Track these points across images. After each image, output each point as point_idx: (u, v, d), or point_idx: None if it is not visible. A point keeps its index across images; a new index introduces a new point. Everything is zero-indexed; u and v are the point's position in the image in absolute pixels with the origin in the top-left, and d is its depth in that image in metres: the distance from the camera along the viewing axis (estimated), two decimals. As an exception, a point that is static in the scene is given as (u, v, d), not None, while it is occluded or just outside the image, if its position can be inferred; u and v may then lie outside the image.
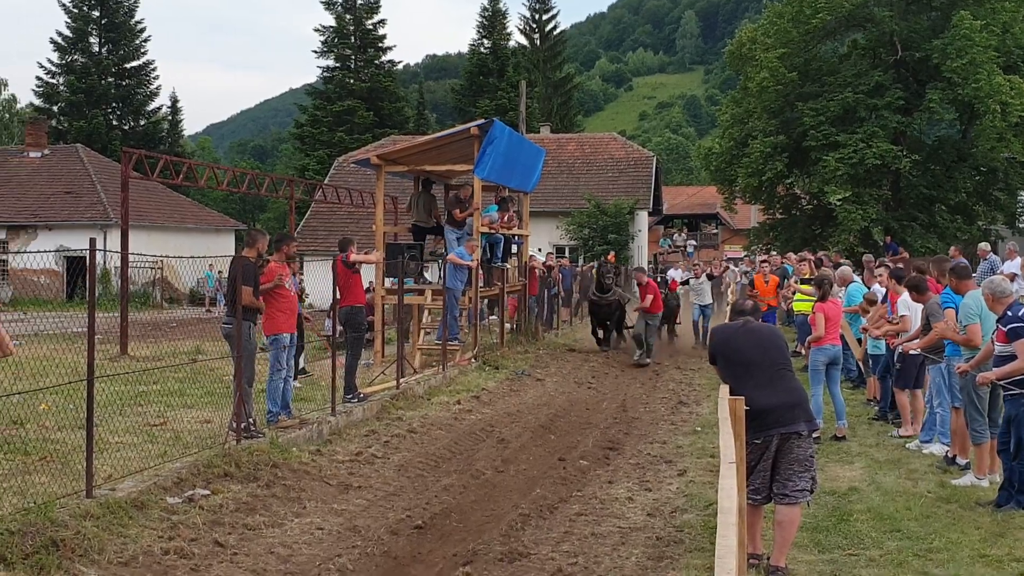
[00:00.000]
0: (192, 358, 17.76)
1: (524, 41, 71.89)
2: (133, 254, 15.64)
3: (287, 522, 8.61)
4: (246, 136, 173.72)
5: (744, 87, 37.68)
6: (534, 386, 17.82)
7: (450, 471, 10.80)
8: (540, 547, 8.01)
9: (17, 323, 22.12)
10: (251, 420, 10.96)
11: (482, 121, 19.70)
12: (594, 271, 24.48)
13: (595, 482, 10.29)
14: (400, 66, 74.46)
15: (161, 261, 39.17)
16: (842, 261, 22.59)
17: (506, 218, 21.41)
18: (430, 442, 12.19)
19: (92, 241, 8.56)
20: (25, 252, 37.87)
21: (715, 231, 69.72)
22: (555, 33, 72.46)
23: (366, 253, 15.24)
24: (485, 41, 66.96)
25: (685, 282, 25.36)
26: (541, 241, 41.72)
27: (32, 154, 49.80)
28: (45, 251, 39.18)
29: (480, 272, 19.32)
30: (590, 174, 46.99)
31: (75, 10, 63.06)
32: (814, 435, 7.62)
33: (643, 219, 46.55)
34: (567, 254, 43.32)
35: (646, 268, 26.02)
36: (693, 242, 62.61)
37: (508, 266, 21.64)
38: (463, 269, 18.25)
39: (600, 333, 23.20)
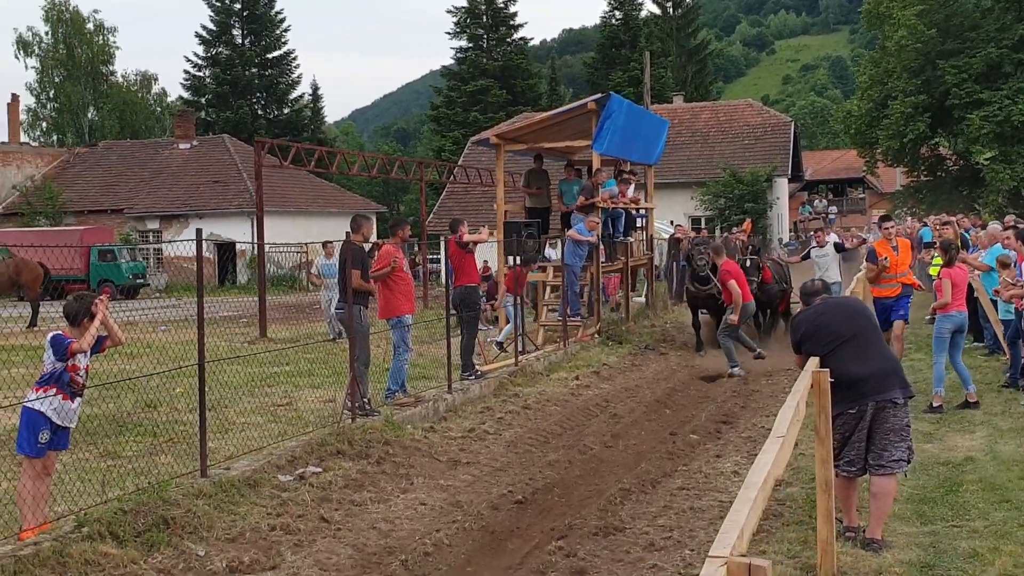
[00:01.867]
0: (325, 339, 18.40)
1: (656, 10, 71.05)
2: (242, 242, 16.21)
3: (393, 498, 8.86)
4: (389, 120, 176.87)
5: (882, 47, 36.44)
6: (656, 360, 17.75)
7: (558, 446, 10.90)
8: (636, 521, 8.03)
9: (170, 309, 23.27)
10: (366, 400, 11.27)
11: (599, 95, 19.61)
12: (689, 253, 19.02)
13: (703, 456, 10.24)
14: (537, 42, 74.59)
15: (306, 245, 40.38)
16: (969, 225, 21.20)
17: (628, 191, 21.30)
18: (543, 418, 12.31)
19: (199, 232, 8.93)
20: (179, 241, 39.52)
21: (862, 196, 67.56)
22: (687, 1, 71.32)
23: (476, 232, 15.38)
24: (616, 13, 66.35)
25: (806, 255, 19.18)
26: (676, 213, 41.26)
27: (181, 146, 51.97)
28: (186, 239, 40.70)
29: (602, 247, 19.30)
30: (725, 142, 46.15)
31: (218, 3, 65.25)
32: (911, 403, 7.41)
33: (782, 186, 45.51)
34: (703, 225, 42.75)
35: (732, 244, 19.67)
36: (835, 208, 60.79)
37: (632, 240, 21.53)
38: (583, 245, 18.26)
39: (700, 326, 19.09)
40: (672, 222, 33.21)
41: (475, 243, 14.13)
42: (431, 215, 45.41)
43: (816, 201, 61.38)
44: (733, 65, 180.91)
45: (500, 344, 18.16)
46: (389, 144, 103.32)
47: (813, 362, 6.82)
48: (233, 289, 42.45)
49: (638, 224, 23.30)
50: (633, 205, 21.45)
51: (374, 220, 13.12)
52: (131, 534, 7.21)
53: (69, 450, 9.88)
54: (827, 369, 6.38)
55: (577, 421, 12.23)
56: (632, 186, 22.33)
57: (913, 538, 7.17)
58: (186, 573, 6.93)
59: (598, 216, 18.82)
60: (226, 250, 45.97)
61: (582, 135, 19.62)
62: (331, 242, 19.21)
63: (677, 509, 8.34)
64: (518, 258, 17.79)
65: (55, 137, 65.66)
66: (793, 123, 48.29)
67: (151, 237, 47.86)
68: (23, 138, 61.17)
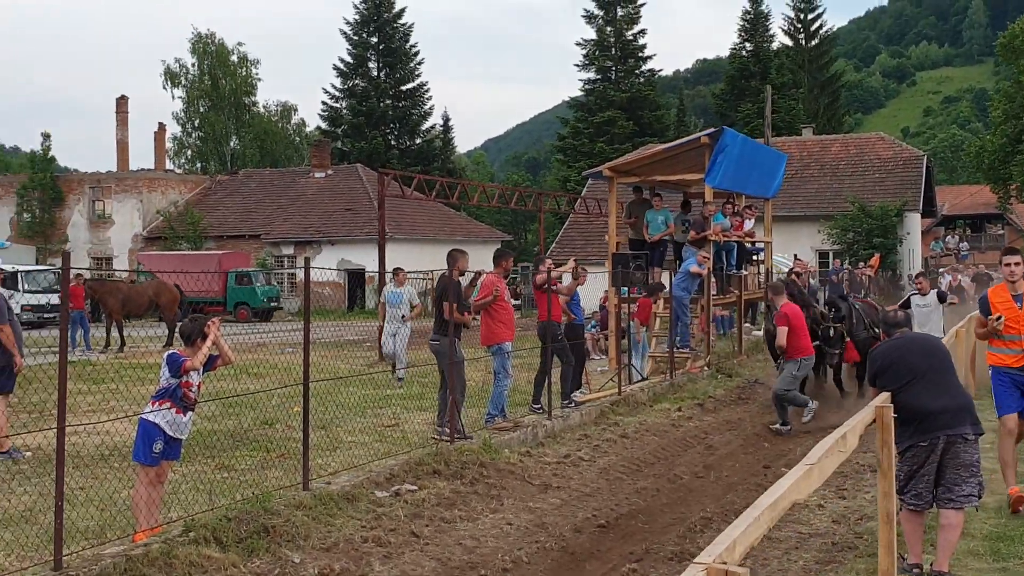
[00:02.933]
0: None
1: (788, 42, 70.50)
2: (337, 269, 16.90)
3: (481, 517, 9.25)
4: (521, 149, 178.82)
5: (1017, 81, 35.52)
6: (765, 394, 17.73)
7: (649, 475, 11.14)
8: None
9: (299, 332, 24.33)
10: (461, 425, 11.70)
11: (712, 130, 19.80)
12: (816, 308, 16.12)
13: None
14: (670, 72, 74.75)
15: (431, 272, 41.36)
16: None
17: (745, 225, 21.39)
18: (639, 447, 12.56)
19: (307, 260, 9.52)
20: (318, 268, 40.93)
21: (1000, 232, 65.43)
22: (821, 31, 70.56)
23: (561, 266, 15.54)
24: (747, 44, 66.11)
25: (905, 303, 16.45)
26: (802, 246, 40.90)
27: (317, 174, 53.89)
28: (319, 266, 42.00)
29: (713, 280, 19.42)
30: (855, 176, 45.49)
31: (355, 37, 67.47)
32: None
33: (914, 221, 44.62)
34: (830, 258, 42.13)
35: (796, 282, 17.60)
36: (966, 244, 59.02)
37: (745, 273, 21.56)
38: (693, 278, 18.43)
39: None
40: (796, 256, 32.90)
41: (548, 282, 13.98)
42: (553, 244, 45.97)
43: (948, 237, 59.77)
44: (872, 96, 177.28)
45: (641, 374, 17.94)
46: (519, 173, 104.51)
47: (882, 397, 6.96)
48: (361, 313, 43.69)
49: (755, 257, 23.32)
50: (748, 239, 21.49)
51: (468, 255, 13.42)
52: (233, 540, 7.77)
53: (188, 461, 10.65)
54: (890, 404, 6.53)
55: (672, 451, 12.44)
56: (751, 220, 22.41)
57: (982, 573, 7.22)
58: (280, 577, 7.45)
59: (709, 250, 18.96)
60: (356, 276, 47.38)
61: (695, 169, 19.82)
62: (401, 269, 18.83)
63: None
64: (630, 288, 18.12)
65: (199, 165, 68.70)
66: (926, 157, 47.28)
67: (285, 262, 49.66)
68: (168, 165, 64.32)
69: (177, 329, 8.08)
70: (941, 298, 16.46)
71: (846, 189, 43.59)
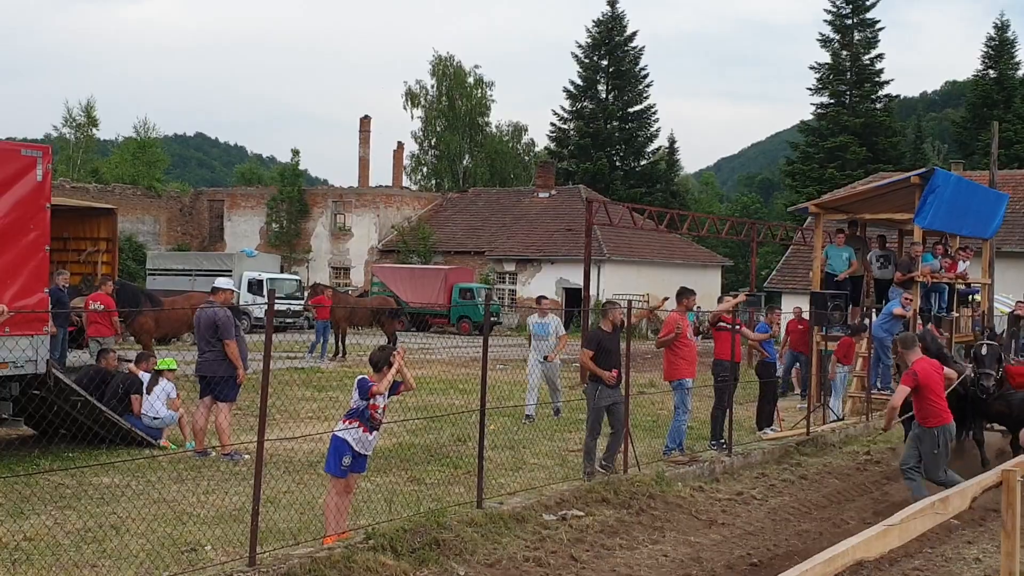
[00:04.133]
0: (640, 391, 19.40)
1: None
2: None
3: (641, 547, 9.79)
4: (754, 169, 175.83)
5: None
6: (971, 443, 17.29)
7: (816, 518, 11.35)
8: (858, 597, 8.48)
9: (514, 347, 25.38)
10: (603, 461, 12.12)
11: (923, 170, 19.47)
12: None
13: (956, 540, 10.35)
14: (915, 93, 71.99)
15: (647, 294, 41.86)
16: None
17: (958, 267, 20.87)
18: (816, 489, 12.73)
19: (489, 290, 10.32)
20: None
21: None
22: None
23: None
24: (990, 71, 63.11)
25: None
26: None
27: (541, 194, 55.36)
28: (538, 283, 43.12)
29: (919, 323, 19.07)
30: (1100, 210, 42.74)
31: (586, 60, 68.81)
32: None
33: None
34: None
35: (936, 333, 16.04)
36: None
37: (956, 315, 21.00)
38: (896, 319, 18.21)
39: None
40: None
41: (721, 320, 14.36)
42: (774, 272, 45.49)
43: None
44: None
45: (836, 415, 17.90)
46: (749, 195, 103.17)
47: (1015, 461, 7.09)
48: (577, 332, 44.62)
49: (970, 299, 22.66)
50: (960, 280, 20.94)
51: (619, 309, 12.82)
52: (407, 550, 8.65)
53: (384, 472, 11.70)
54: (1016, 469, 6.68)
55: (848, 495, 12.55)
56: (965, 261, 21.81)
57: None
58: (444, 587, 8.26)
59: (916, 291, 18.67)
60: (574, 295, 48.43)
61: (904, 208, 19.54)
62: (545, 298, 17.62)
63: (901, 589, 8.69)
64: (830, 328, 18.10)
65: (433, 182, 71.73)
66: None
67: (507, 279, 51.27)
68: (405, 182, 67.53)
69: (368, 357, 9.04)
70: None
71: (1093, 225, 41.04)
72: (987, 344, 13.47)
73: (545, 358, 16.55)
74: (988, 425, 14.52)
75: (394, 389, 8.98)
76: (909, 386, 10.78)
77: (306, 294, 39.58)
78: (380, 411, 8.90)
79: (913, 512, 5.73)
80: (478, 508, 9.89)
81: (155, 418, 13.37)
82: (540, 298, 17.74)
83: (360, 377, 8.91)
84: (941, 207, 19.02)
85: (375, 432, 8.93)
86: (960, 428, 13.12)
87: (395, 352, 8.93)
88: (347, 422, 8.80)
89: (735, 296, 15.60)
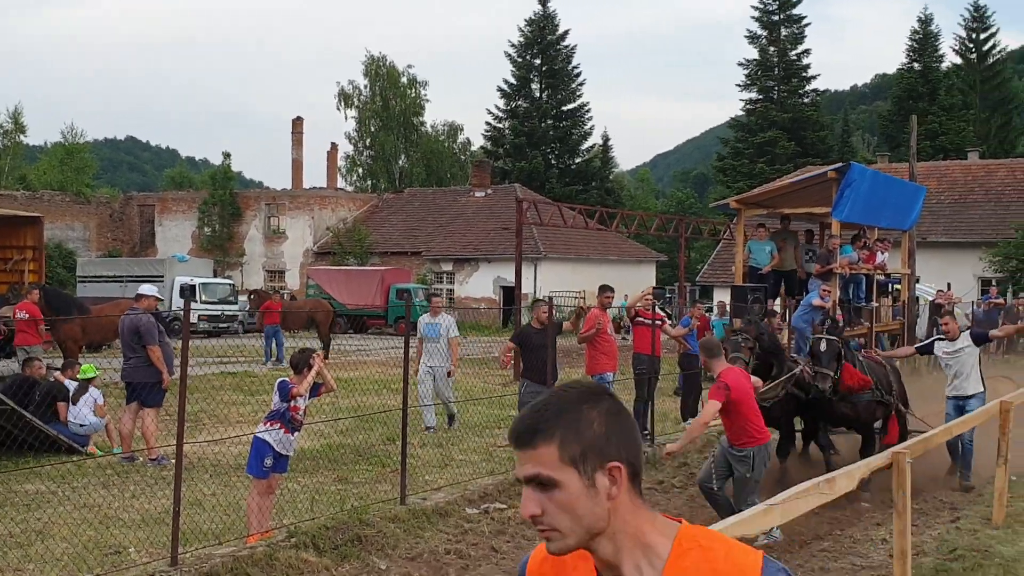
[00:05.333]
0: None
1: (959, 60, 68.52)
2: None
3: (560, 537, 10.05)
4: (689, 165, 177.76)
5: None
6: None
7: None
8: (765, 578, 8.82)
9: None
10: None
11: (839, 165, 20.02)
12: None
13: (866, 522, 10.78)
14: (846, 87, 73.43)
15: (583, 291, 42.32)
16: None
17: (877, 258, 21.45)
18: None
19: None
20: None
21: None
22: (994, 51, 68.29)
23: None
24: (915, 64, 64.63)
25: (926, 348, 13.72)
26: (964, 274, 39.98)
27: (477, 193, 55.64)
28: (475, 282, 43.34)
29: (840, 313, 19.60)
30: (1021, 202, 44.11)
31: (519, 59, 69.21)
32: None
33: (1087, 250, 42.81)
34: (993, 285, 40.97)
35: (772, 325, 15.98)
36: None
37: (875, 305, 21.58)
38: (816, 310, 18.70)
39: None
40: (945, 287, 32.27)
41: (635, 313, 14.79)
42: (705, 266, 46.29)
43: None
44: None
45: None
46: (684, 191, 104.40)
47: (905, 444, 7.46)
48: (511, 329, 44.97)
49: (890, 289, 23.32)
50: (879, 271, 21.53)
51: (545, 305, 13.25)
52: (330, 546, 8.84)
53: (311, 472, 11.87)
54: (907, 450, 7.05)
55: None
56: (884, 253, 22.40)
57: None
58: (365, 582, 8.48)
59: (832, 283, 19.19)
60: (512, 293, 48.75)
61: (823, 202, 20.02)
62: (436, 295, 18.14)
63: (808, 568, 9.06)
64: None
65: (369, 183, 71.63)
66: (1101, 182, 45.42)
67: (445, 279, 51.45)
68: (340, 183, 67.38)
69: (288, 359, 9.23)
70: (978, 340, 12.92)
71: (1011, 216, 42.33)
72: (826, 339, 12.03)
73: (448, 374, 15.70)
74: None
75: (315, 391, 9.17)
76: (720, 401, 9.15)
77: (246, 299, 39.41)
78: (301, 412, 9.08)
79: (797, 492, 6.04)
80: (402, 504, 10.11)
81: (82, 425, 13.40)
82: (431, 296, 17.37)
83: (280, 380, 9.10)
84: (858, 201, 19.56)
85: (296, 433, 9.11)
86: (807, 437, 13.06)
87: (315, 354, 9.13)
88: (268, 424, 8.97)
89: (644, 293, 15.95)
